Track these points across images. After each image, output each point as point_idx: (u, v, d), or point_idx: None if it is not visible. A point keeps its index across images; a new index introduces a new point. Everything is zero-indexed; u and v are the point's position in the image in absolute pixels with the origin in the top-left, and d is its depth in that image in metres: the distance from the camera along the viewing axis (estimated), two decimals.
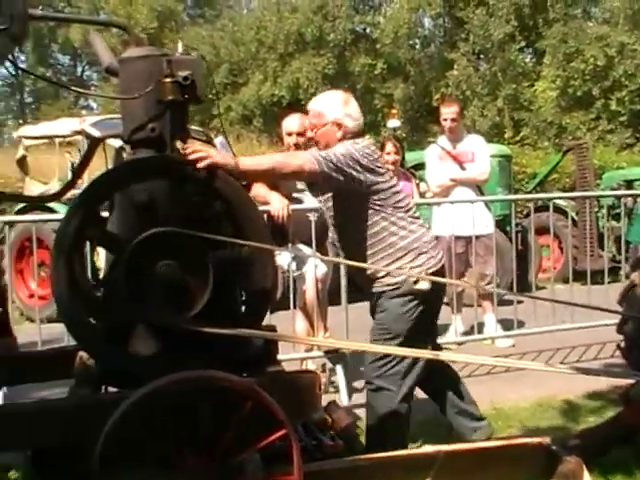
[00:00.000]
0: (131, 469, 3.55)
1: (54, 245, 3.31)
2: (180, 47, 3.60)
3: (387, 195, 4.15)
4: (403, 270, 4.14)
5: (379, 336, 4.24)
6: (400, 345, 4.10)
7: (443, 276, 4.39)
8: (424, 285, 4.12)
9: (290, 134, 6.18)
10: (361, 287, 4.43)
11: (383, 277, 4.20)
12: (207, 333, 3.25)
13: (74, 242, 3.29)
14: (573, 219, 11.57)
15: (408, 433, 4.45)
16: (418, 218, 4.34)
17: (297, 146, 6.15)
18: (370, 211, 4.13)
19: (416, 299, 4.15)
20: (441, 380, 4.62)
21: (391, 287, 4.19)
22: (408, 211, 4.25)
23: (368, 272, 4.23)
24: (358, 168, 4.01)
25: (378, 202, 4.12)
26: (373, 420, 4.30)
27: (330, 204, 4.30)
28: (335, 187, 4.04)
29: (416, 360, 4.19)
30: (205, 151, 3.40)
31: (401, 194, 4.29)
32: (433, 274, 4.16)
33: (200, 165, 3.34)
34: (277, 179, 4.49)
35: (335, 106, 4.26)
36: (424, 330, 4.24)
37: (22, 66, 35.70)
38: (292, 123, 6.25)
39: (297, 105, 23.15)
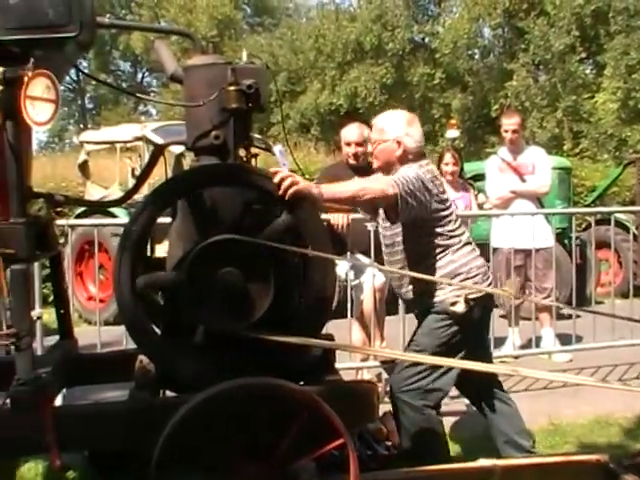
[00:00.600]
0: (187, 474, 3.59)
1: (118, 249, 3.35)
2: (244, 56, 3.62)
3: (446, 222, 4.16)
4: (444, 290, 4.13)
5: (409, 348, 4.28)
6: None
7: (490, 303, 4.38)
8: (459, 308, 4.09)
9: (349, 144, 6.19)
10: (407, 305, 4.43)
11: (426, 298, 4.20)
12: (266, 341, 3.26)
13: (137, 246, 3.33)
14: (633, 234, 11.38)
15: (443, 444, 4.40)
16: (470, 243, 4.32)
17: (356, 156, 6.16)
18: (427, 236, 4.14)
19: (450, 320, 4.13)
20: (491, 402, 4.49)
21: (430, 307, 4.19)
22: (462, 236, 4.25)
23: (413, 293, 4.26)
24: (426, 194, 4.01)
25: (437, 228, 4.13)
26: (402, 432, 4.27)
27: (385, 225, 4.32)
28: (407, 212, 3.99)
29: (440, 376, 4.15)
30: (292, 177, 3.43)
31: (458, 221, 4.27)
32: (475, 300, 4.13)
33: (286, 194, 3.37)
34: (359, 205, 4.50)
35: (398, 124, 4.26)
36: (454, 351, 4.15)
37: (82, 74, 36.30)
38: (351, 133, 6.25)
39: (355, 114, 23.20)
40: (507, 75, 26.35)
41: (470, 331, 4.22)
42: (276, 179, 3.37)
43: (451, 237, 4.17)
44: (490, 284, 4.31)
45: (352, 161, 6.20)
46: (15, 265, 3.23)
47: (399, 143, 4.20)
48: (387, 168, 4.26)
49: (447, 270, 4.13)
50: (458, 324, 4.13)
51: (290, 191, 3.37)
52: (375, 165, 4.39)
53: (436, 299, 4.15)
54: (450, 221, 4.19)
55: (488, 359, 4.52)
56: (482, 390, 4.36)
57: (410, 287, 4.28)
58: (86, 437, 3.33)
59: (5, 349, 3.40)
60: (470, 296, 4.09)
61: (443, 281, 4.10)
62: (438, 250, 4.14)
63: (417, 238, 4.16)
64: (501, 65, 27.58)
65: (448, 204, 4.22)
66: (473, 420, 5.14)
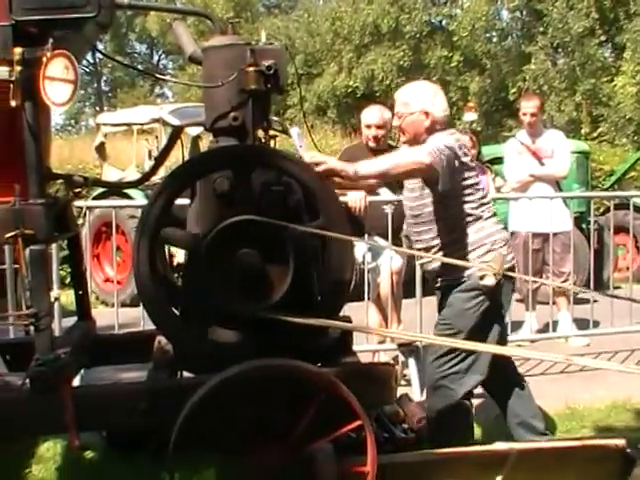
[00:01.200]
0: (205, 454, 3.62)
1: (136, 230, 3.35)
2: (264, 37, 3.61)
3: (473, 190, 4.09)
4: (470, 264, 4.04)
5: (442, 331, 4.14)
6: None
7: (511, 277, 4.23)
8: (490, 281, 4.00)
9: (369, 126, 6.18)
10: (432, 278, 4.36)
11: (453, 271, 4.11)
12: (284, 322, 3.27)
13: (156, 228, 3.33)
14: None
15: (472, 430, 4.39)
16: (495, 215, 4.26)
17: (376, 138, 6.14)
18: (457, 205, 4.07)
19: (481, 295, 4.04)
20: (505, 384, 4.45)
21: (457, 282, 4.12)
22: (487, 206, 4.18)
23: (435, 265, 4.20)
24: (456, 162, 3.95)
25: (464, 197, 4.06)
26: (433, 417, 4.24)
27: (412, 195, 4.25)
28: (445, 181, 3.91)
29: (478, 358, 4.10)
30: (323, 158, 3.47)
31: (484, 190, 4.23)
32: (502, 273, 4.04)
33: (318, 169, 3.42)
34: (397, 179, 4.44)
35: (423, 95, 4.21)
36: (489, 328, 4.12)
37: (100, 55, 36.30)
38: (372, 115, 6.24)
39: (372, 97, 23.10)
40: (525, 58, 26.18)
41: (500, 305, 4.17)
42: (308, 159, 3.44)
43: (479, 206, 4.11)
44: (513, 258, 4.23)
45: (372, 144, 6.18)
46: (34, 246, 3.24)
47: (427, 114, 4.14)
48: (416, 140, 4.19)
49: (473, 239, 4.07)
50: (489, 299, 4.05)
51: (322, 167, 3.44)
52: (403, 139, 4.32)
53: (464, 272, 4.07)
54: (478, 189, 4.13)
55: (505, 339, 4.47)
56: (496, 372, 4.31)
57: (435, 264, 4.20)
58: (104, 417, 3.35)
59: (24, 329, 3.42)
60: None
61: (457, 262, 4.06)
62: (467, 219, 4.07)
63: (447, 207, 4.08)
64: (519, 48, 27.40)
65: (475, 172, 4.16)
66: (487, 404, 5.13)
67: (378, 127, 6.14)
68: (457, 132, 4.26)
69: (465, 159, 4.04)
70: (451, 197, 4.05)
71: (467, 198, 4.07)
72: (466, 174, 4.04)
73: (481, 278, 4.00)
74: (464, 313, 4.08)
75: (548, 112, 23.83)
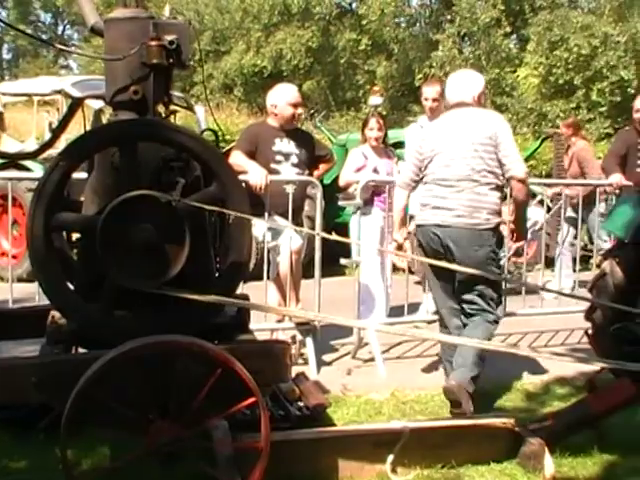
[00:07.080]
0: (98, 430, 3.58)
1: (31, 202, 3.28)
2: (167, 11, 3.58)
3: None
4: None
5: None
6: None
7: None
8: None
9: (296, 105, 6.18)
10: None
11: None
12: (180, 298, 3.26)
13: (51, 200, 3.26)
14: (548, 207, 11.58)
15: None
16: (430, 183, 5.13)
17: (293, 116, 6.19)
18: None
19: None
20: None
21: None
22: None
23: None
24: None
25: None
26: None
27: None
28: None
29: None
30: None
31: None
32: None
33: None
34: None
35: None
36: None
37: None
38: (288, 94, 6.25)
39: (279, 76, 23.05)
40: (432, 45, 26.47)
41: None
42: None
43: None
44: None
45: (288, 125, 6.21)
46: None
47: None
48: None
49: None
50: None
51: None
52: None
53: None
54: None
55: None
56: None
57: None
58: None
59: None
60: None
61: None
62: None
63: None
64: (427, 35, 27.69)
65: None
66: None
67: (294, 105, 6.17)
68: None
69: None
70: None
71: None
72: None
73: None
74: None
75: None
